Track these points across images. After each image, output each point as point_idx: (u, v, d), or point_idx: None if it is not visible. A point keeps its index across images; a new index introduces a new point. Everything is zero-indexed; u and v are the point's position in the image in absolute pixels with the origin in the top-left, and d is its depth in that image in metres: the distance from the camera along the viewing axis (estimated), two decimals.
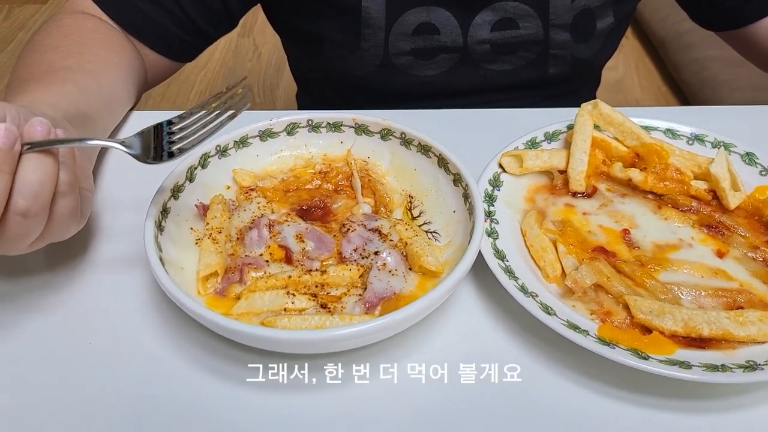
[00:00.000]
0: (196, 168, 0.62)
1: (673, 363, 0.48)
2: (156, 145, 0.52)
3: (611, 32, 0.86)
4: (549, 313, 0.51)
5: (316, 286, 0.54)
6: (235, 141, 0.65)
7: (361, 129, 0.67)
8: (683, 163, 0.65)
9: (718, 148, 0.68)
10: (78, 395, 0.50)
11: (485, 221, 0.59)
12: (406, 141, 0.65)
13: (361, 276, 0.55)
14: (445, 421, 0.49)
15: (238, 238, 0.58)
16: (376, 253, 0.57)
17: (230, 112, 0.56)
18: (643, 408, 0.50)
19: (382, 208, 0.62)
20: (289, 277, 0.54)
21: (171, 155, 0.52)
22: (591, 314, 0.53)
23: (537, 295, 0.53)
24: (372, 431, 0.48)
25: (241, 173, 0.64)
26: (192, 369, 0.52)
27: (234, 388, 0.51)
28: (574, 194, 0.64)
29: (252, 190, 0.64)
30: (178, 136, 0.54)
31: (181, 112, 0.55)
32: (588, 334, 0.50)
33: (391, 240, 0.58)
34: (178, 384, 0.51)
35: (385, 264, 0.55)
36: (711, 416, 0.50)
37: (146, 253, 0.51)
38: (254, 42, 2.64)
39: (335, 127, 0.67)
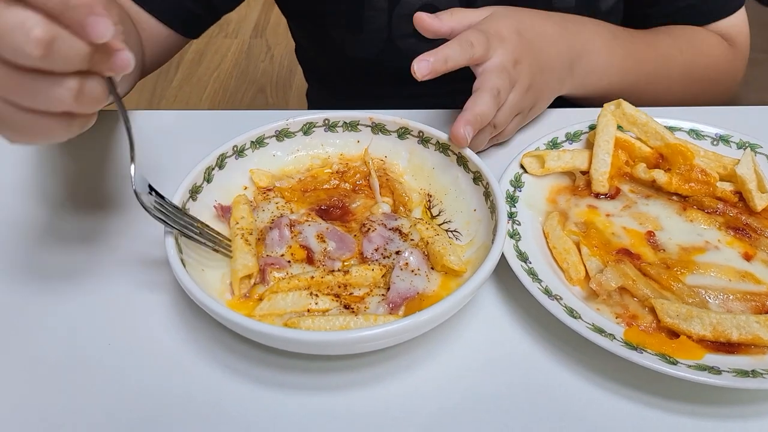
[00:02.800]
0: (213, 168, 0.61)
1: (702, 368, 0.47)
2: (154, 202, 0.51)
3: (612, 10, 0.86)
4: (574, 317, 0.50)
5: (339, 287, 0.54)
6: (252, 141, 0.64)
7: (377, 128, 0.66)
8: (708, 164, 0.64)
9: (744, 148, 0.67)
10: (96, 393, 0.50)
11: (507, 222, 0.58)
12: (424, 140, 0.64)
13: (383, 276, 0.55)
14: (466, 424, 0.48)
15: (258, 239, 0.58)
16: (397, 252, 0.56)
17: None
18: (668, 413, 0.49)
19: (401, 208, 0.62)
20: (312, 277, 0.54)
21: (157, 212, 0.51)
22: (616, 318, 0.52)
23: (561, 298, 0.52)
24: None
25: (259, 173, 0.64)
26: (210, 368, 0.51)
27: (252, 388, 0.50)
28: (597, 195, 0.63)
29: (269, 190, 0.63)
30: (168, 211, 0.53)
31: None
32: (614, 338, 0.49)
33: (411, 239, 0.58)
34: (196, 383, 0.51)
35: (407, 263, 0.55)
36: (739, 422, 0.48)
37: (167, 255, 0.50)
38: (267, 43, 2.65)
39: (352, 126, 0.66)
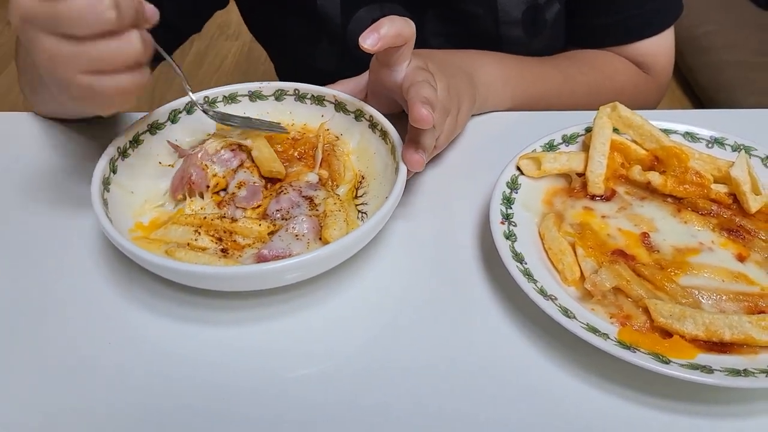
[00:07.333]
0: (180, 112, 0.66)
1: (694, 367, 0.47)
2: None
3: (558, 18, 0.87)
4: (568, 317, 0.51)
5: (225, 232, 0.58)
6: (225, 96, 0.69)
7: (340, 106, 0.69)
8: (703, 166, 0.65)
9: (738, 151, 0.67)
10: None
11: (503, 224, 0.59)
12: (372, 124, 0.66)
13: (270, 233, 0.58)
14: (460, 423, 0.49)
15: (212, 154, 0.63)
16: (295, 217, 0.59)
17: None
18: (662, 412, 0.49)
19: (330, 182, 0.64)
20: (204, 218, 0.59)
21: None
22: (610, 318, 0.53)
23: (556, 298, 0.53)
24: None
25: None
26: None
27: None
28: (593, 197, 0.64)
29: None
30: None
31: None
32: (608, 338, 0.50)
33: (317, 210, 0.60)
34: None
35: (294, 227, 0.57)
36: (732, 421, 0.49)
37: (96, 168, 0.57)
38: None
39: (318, 100, 0.70)
